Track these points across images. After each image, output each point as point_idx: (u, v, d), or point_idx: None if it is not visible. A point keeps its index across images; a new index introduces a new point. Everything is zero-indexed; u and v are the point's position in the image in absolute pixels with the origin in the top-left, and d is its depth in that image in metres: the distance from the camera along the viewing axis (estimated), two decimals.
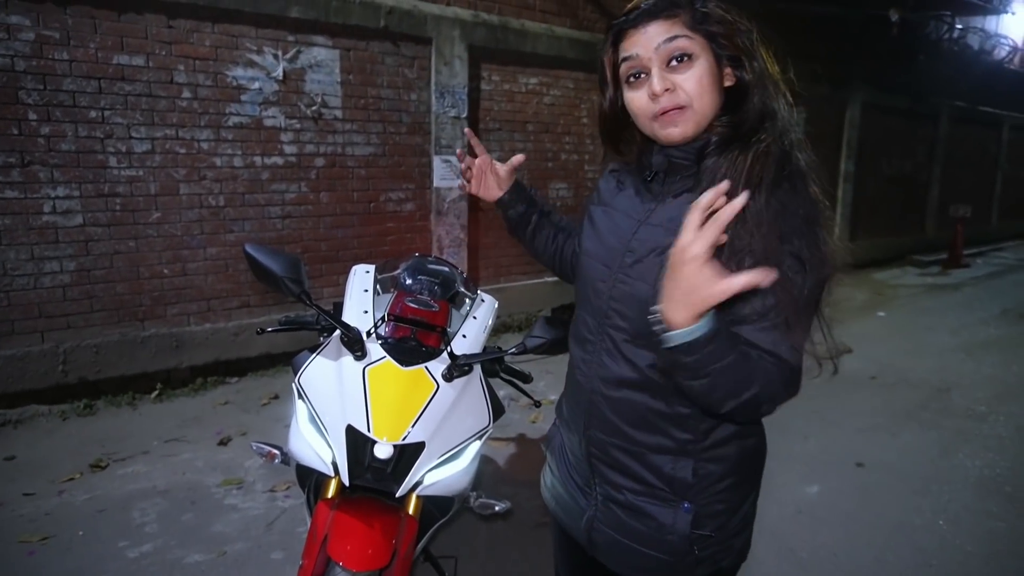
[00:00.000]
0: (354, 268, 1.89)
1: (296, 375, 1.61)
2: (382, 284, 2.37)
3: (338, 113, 4.91)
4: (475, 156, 1.53)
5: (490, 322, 1.82)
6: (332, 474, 1.51)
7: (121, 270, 4.17)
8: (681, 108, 1.08)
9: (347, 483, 1.48)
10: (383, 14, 4.94)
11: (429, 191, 5.51)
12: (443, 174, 5.53)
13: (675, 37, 1.07)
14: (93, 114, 3.95)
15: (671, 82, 1.08)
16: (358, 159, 5.07)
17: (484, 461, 3.53)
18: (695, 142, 1.14)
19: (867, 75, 9.40)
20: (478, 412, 1.60)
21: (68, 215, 3.96)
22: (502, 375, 1.84)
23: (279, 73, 4.57)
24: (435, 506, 1.74)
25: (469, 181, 1.53)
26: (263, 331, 1.80)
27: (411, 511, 1.63)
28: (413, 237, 5.49)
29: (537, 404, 1.90)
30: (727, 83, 1.12)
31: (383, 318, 1.67)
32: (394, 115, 5.21)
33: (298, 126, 4.73)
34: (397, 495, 1.49)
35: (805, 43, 8.33)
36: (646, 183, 1.22)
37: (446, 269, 2.64)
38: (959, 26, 11.00)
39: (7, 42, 3.67)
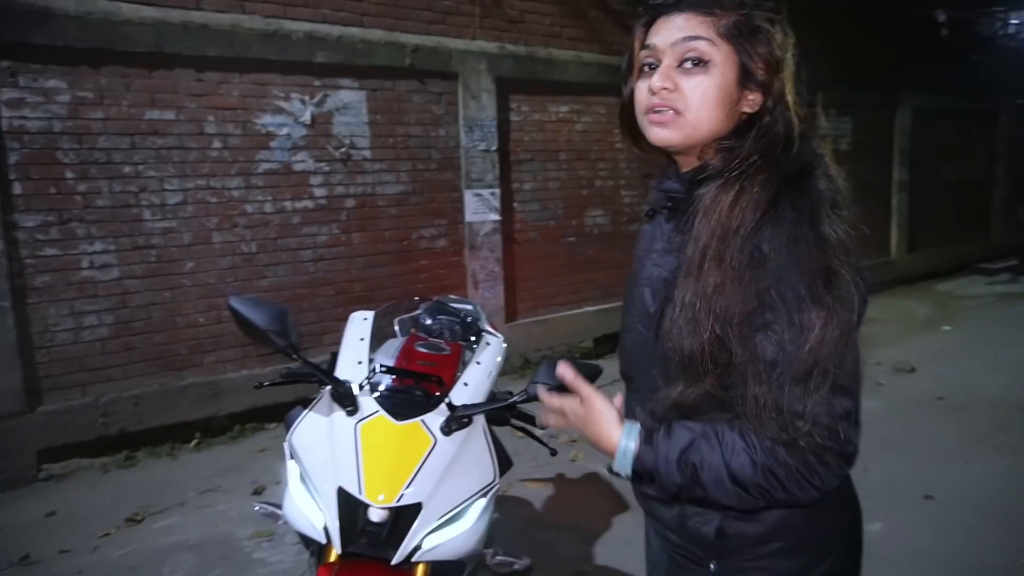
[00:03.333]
0: (352, 315, 1.81)
1: (288, 433, 1.52)
2: (402, 325, 2.28)
3: (367, 153, 4.92)
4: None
5: (496, 366, 1.71)
6: (323, 541, 1.40)
7: (158, 321, 4.21)
8: (675, 111, 1.00)
9: (339, 550, 1.37)
10: (408, 52, 4.96)
11: (462, 226, 5.45)
12: (475, 208, 5.48)
13: (696, 38, 0.98)
14: (127, 169, 4.04)
15: (675, 83, 0.99)
16: (389, 198, 5.06)
17: (517, 506, 3.40)
18: (689, 172, 1.06)
19: (917, 78, 9.02)
20: (482, 467, 1.48)
21: (105, 269, 4.03)
22: (512, 422, 1.71)
23: (307, 118, 4.61)
24: (447, 568, 1.61)
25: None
26: (262, 385, 1.72)
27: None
28: (448, 273, 5.43)
29: (553, 452, 1.76)
30: (746, 108, 1.01)
31: (374, 370, 1.57)
32: (423, 152, 5.20)
33: (327, 169, 4.75)
34: (393, 563, 1.37)
35: (848, 49, 8.05)
36: (652, 226, 1.17)
37: (469, 307, 2.54)
38: (1014, 21, 10.51)
39: (45, 105, 3.79)
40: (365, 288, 4.99)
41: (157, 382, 4.24)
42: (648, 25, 1.05)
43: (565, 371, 1.07)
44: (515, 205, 5.79)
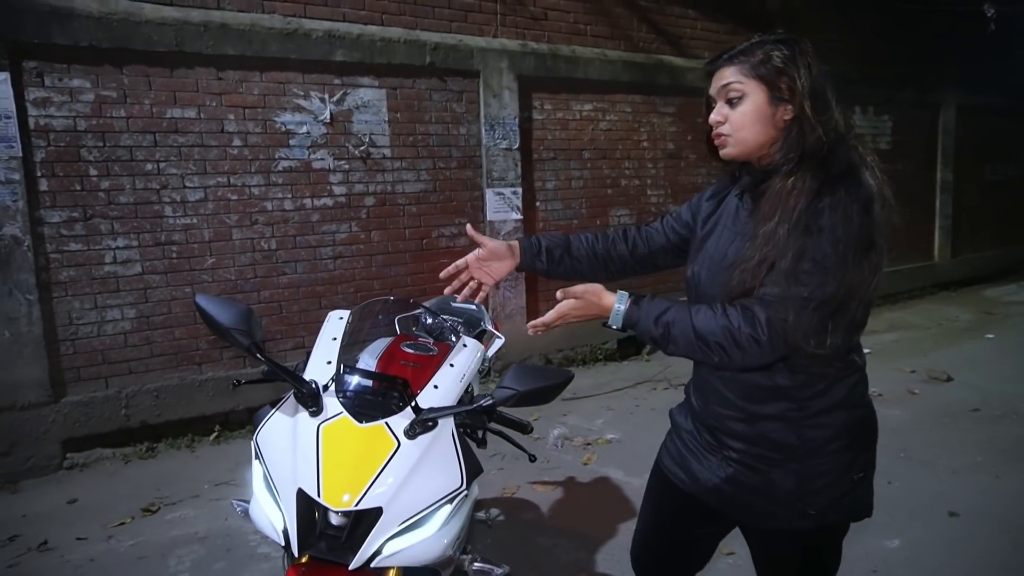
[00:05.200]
0: (329, 314, 1.80)
1: (255, 432, 1.51)
2: (403, 324, 2.26)
3: (386, 152, 4.93)
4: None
5: (470, 369, 1.67)
6: (282, 543, 1.39)
7: (178, 316, 4.29)
8: (727, 135, 1.42)
9: (296, 554, 1.36)
10: (428, 50, 4.95)
11: (483, 224, 5.43)
12: (496, 207, 5.45)
13: (729, 83, 1.40)
14: (149, 167, 4.12)
15: (723, 116, 1.42)
16: (408, 196, 5.07)
17: (523, 508, 3.36)
18: (763, 167, 1.42)
19: (960, 76, 8.68)
20: (448, 472, 1.44)
21: (128, 264, 4.12)
22: (491, 426, 1.67)
23: (326, 116, 4.64)
24: (420, 574, 1.59)
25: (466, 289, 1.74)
26: (239, 383, 1.71)
27: None
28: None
29: (532, 459, 1.71)
30: (784, 117, 1.37)
31: (339, 371, 1.55)
32: (443, 150, 5.19)
33: (347, 167, 4.78)
34: (351, 567, 1.35)
35: (887, 46, 7.80)
36: (740, 203, 1.49)
37: (472, 307, 2.51)
38: None
39: (70, 104, 3.89)
40: (384, 286, 5.01)
41: (177, 376, 4.32)
42: (709, 77, 1.46)
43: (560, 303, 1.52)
44: (537, 204, 5.75)
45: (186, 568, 2.94)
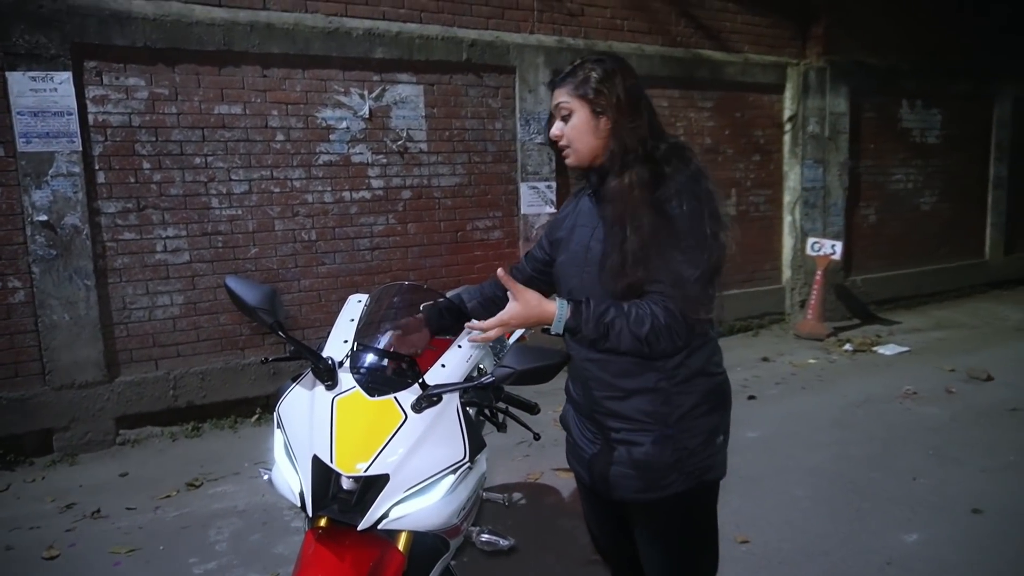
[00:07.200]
0: (349, 297, 1.92)
1: (277, 403, 1.64)
2: (428, 310, 2.38)
3: (423, 146, 5.07)
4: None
5: (475, 352, 1.77)
6: (299, 504, 1.51)
7: (223, 303, 4.50)
8: (567, 147, 1.63)
9: (310, 514, 1.48)
10: (465, 47, 5.07)
11: (516, 218, 5.53)
12: (530, 201, 5.54)
13: (560, 103, 1.61)
14: (198, 160, 4.34)
15: (560, 131, 1.62)
16: (444, 190, 5.20)
17: (545, 493, 3.45)
18: (600, 169, 1.61)
19: (1018, 67, 8.38)
20: (452, 445, 1.55)
21: (177, 253, 4.35)
22: (498, 405, 1.77)
23: (365, 112, 4.80)
24: (429, 542, 1.70)
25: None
26: (267, 360, 1.86)
27: (400, 546, 1.60)
28: (502, 264, 5.48)
29: (536, 437, 1.80)
30: (608, 126, 1.58)
31: (352, 348, 1.67)
32: (479, 145, 5.30)
33: (384, 161, 4.93)
34: (359, 528, 1.46)
35: (937, 36, 7.59)
36: (591, 200, 1.69)
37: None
38: None
39: (125, 101, 4.13)
40: (419, 277, 5.15)
41: (222, 360, 4.54)
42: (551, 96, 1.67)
43: (503, 275, 1.57)
44: None
45: (225, 538, 3.12)
